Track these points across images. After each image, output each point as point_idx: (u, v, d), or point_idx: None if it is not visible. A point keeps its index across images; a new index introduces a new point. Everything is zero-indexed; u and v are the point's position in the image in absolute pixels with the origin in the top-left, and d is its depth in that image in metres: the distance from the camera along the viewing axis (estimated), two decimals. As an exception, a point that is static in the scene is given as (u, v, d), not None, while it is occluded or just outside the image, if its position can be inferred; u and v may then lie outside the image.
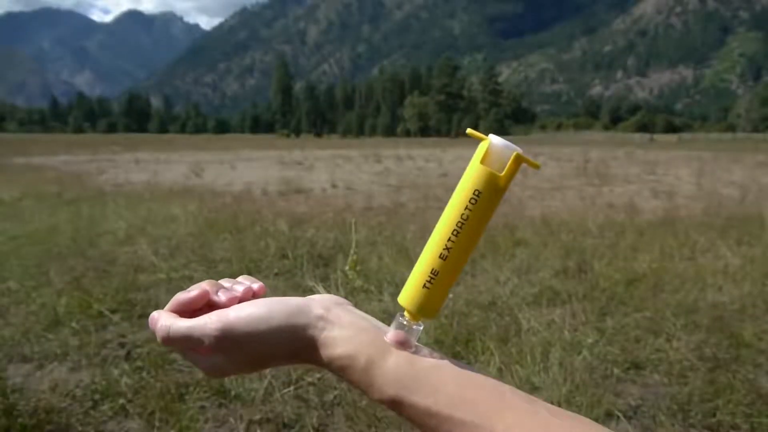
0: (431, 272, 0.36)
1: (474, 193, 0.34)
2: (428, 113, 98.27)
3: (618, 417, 2.08)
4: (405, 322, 0.37)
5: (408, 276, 0.38)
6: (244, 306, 0.39)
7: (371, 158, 19.81)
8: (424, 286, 0.36)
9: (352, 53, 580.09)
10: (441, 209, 0.37)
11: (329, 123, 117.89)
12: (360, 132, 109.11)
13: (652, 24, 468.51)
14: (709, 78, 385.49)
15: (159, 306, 0.42)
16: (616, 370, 2.44)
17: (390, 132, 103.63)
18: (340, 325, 0.37)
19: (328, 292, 3.58)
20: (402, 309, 0.38)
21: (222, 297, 0.40)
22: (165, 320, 0.39)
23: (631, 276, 3.76)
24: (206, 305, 0.40)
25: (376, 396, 0.35)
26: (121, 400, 2.14)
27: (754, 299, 3.29)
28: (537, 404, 0.33)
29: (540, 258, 4.24)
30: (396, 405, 0.34)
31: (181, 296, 0.40)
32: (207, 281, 0.41)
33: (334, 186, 10.27)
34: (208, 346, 0.38)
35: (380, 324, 0.39)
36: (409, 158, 19.87)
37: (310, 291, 3.46)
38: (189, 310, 0.40)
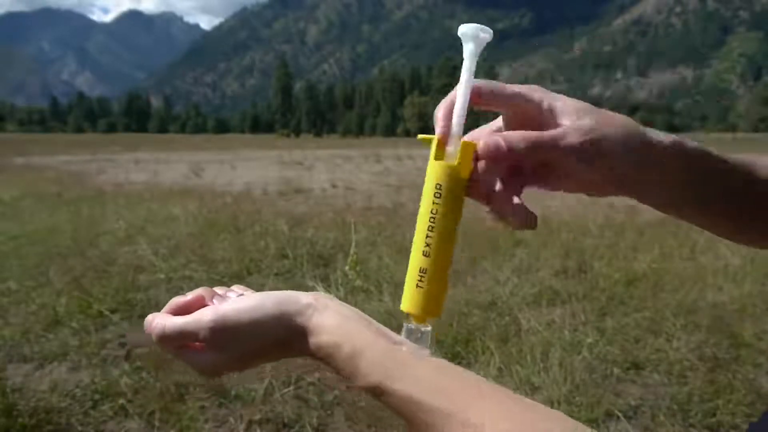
0: (420, 271, 0.37)
1: (436, 187, 0.36)
2: (428, 113, 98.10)
3: (618, 417, 2.08)
4: (413, 327, 0.38)
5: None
6: (236, 299, 0.41)
7: (371, 158, 19.82)
8: (417, 286, 0.37)
9: (352, 53, 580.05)
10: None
11: (329, 123, 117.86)
12: (360, 132, 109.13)
13: (652, 24, 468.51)
14: (709, 78, 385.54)
15: (159, 306, 0.43)
16: (616, 370, 2.44)
17: (390, 132, 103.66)
18: (327, 312, 0.38)
19: (328, 292, 3.59)
20: (407, 317, 0.38)
21: (216, 303, 0.41)
22: (160, 319, 0.41)
23: (631, 276, 3.75)
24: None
25: (359, 383, 0.36)
26: (121, 400, 2.14)
27: (754, 299, 3.29)
28: (511, 396, 0.34)
29: (540, 258, 4.24)
30: (378, 392, 0.35)
31: (178, 299, 0.42)
32: (202, 288, 0.43)
33: (334, 186, 10.27)
34: (203, 340, 0.39)
35: (366, 316, 0.40)
36: (409, 158, 19.86)
37: (310, 291, 3.46)
38: (184, 314, 0.41)
